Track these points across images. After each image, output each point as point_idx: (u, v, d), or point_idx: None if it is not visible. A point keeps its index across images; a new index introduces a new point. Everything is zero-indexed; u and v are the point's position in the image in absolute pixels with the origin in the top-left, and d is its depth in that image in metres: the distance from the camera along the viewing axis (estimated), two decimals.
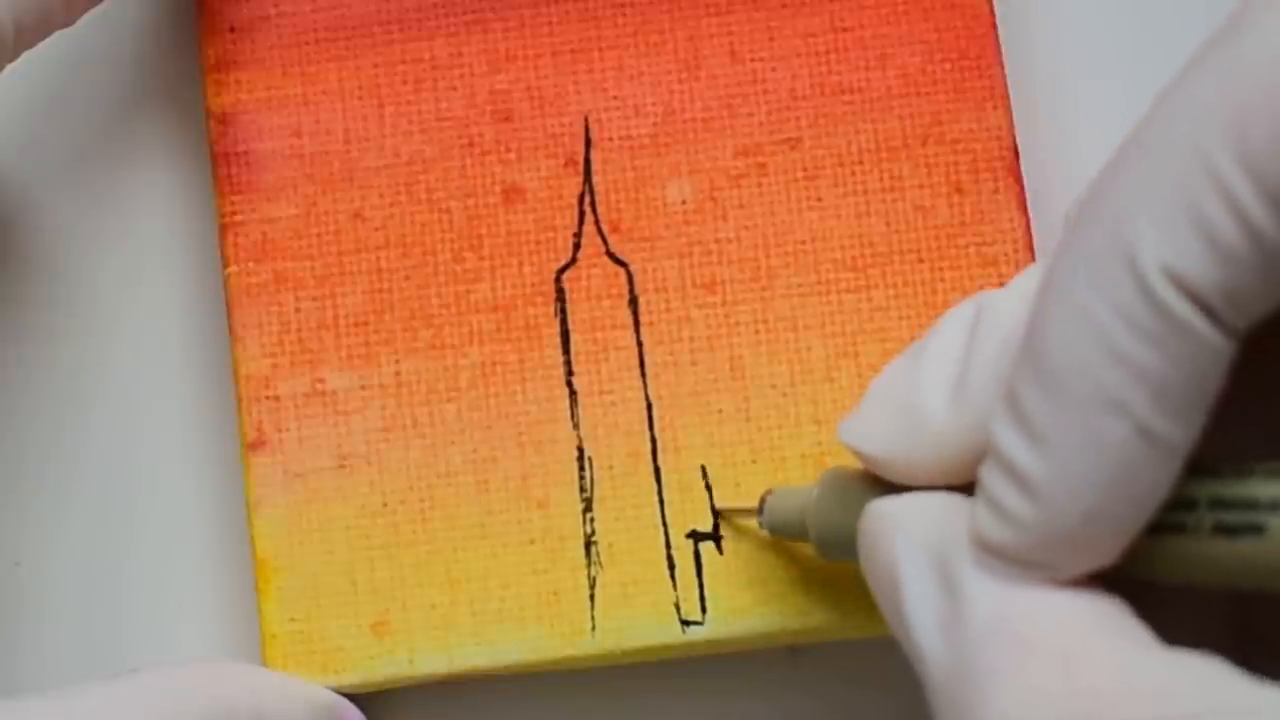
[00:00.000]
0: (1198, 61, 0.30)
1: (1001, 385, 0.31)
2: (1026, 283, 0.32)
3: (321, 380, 0.39)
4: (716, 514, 0.38)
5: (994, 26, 0.40)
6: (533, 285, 0.39)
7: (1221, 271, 0.28)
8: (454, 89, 0.40)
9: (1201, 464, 0.30)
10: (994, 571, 0.30)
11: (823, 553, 0.35)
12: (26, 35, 0.36)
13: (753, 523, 0.38)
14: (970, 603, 0.30)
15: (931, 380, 0.33)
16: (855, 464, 0.35)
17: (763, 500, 0.37)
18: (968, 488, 0.32)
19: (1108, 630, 0.30)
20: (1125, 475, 0.29)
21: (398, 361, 0.39)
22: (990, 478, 0.30)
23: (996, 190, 0.39)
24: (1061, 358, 0.29)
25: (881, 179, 0.40)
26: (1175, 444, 0.29)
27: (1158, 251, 0.29)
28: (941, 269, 0.39)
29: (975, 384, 0.32)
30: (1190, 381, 0.29)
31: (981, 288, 0.39)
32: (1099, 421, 0.29)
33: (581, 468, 0.39)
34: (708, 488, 0.39)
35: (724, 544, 0.39)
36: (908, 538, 0.32)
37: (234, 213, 0.40)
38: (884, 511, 0.33)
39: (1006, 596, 0.30)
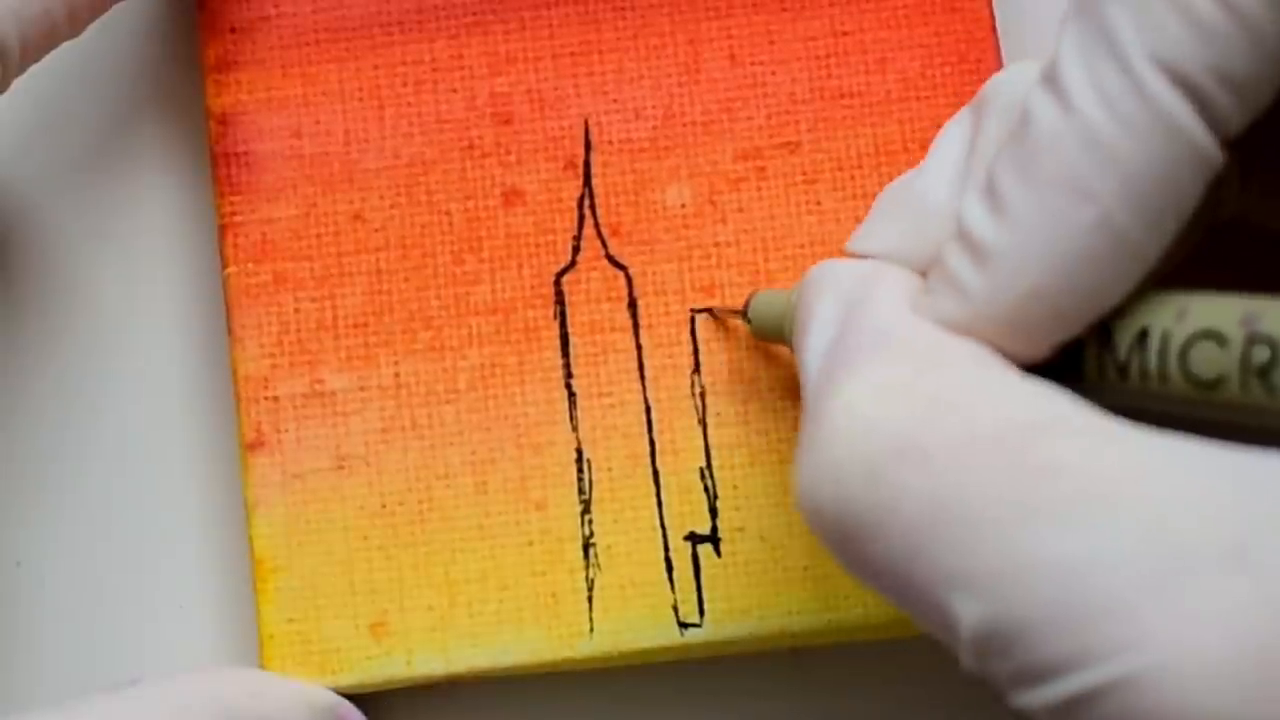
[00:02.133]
0: None
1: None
2: (1028, 71, 0.32)
3: (320, 381, 0.39)
4: (710, 311, 0.39)
5: (994, 31, 0.40)
6: (532, 288, 0.40)
7: (1205, 51, 0.28)
8: (454, 91, 0.40)
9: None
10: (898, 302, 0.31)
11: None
12: (32, 50, 0.36)
13: (739, 321, 0.38)
14: (857, 318, 0.31)
15: (936, 174, 0.32)
16: None
17: (748, 301, 0.38)
18: None
19: (975, 357, 0.30)
20: (1078, 262, 0.29)
21: (397, 363, 0.39)
22: (947, 249, 0.30)
23: None
24: (1041, 139, 0.29)
25: (881, 183, 0.40)
26: (1137, 246, 0.29)
27: (1140, 36, 0.28)
28: None
29: (976, 161, 0.32)
30: (1165, 181, 0.29)
31: None
32: (1064, 203, 0.29)
33: (580, 470, 0.39)
34: (706, 490, 0.39)
35: (722, 547, 0.39)
36: (834, 283, 0.32)
37: (234, 213, 0.40)
38: (821, 268, 0.33)
39: (893, 317, 0.30)
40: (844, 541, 0.29)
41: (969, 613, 0.27)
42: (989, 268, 0.30)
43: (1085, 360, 0.30)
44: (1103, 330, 0.30)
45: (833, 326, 0.31)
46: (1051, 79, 0.30)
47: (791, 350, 0.35)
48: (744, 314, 0.38)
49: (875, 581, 0.29)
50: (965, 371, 0.29)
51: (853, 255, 0.33)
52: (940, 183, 0.32)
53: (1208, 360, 0.29)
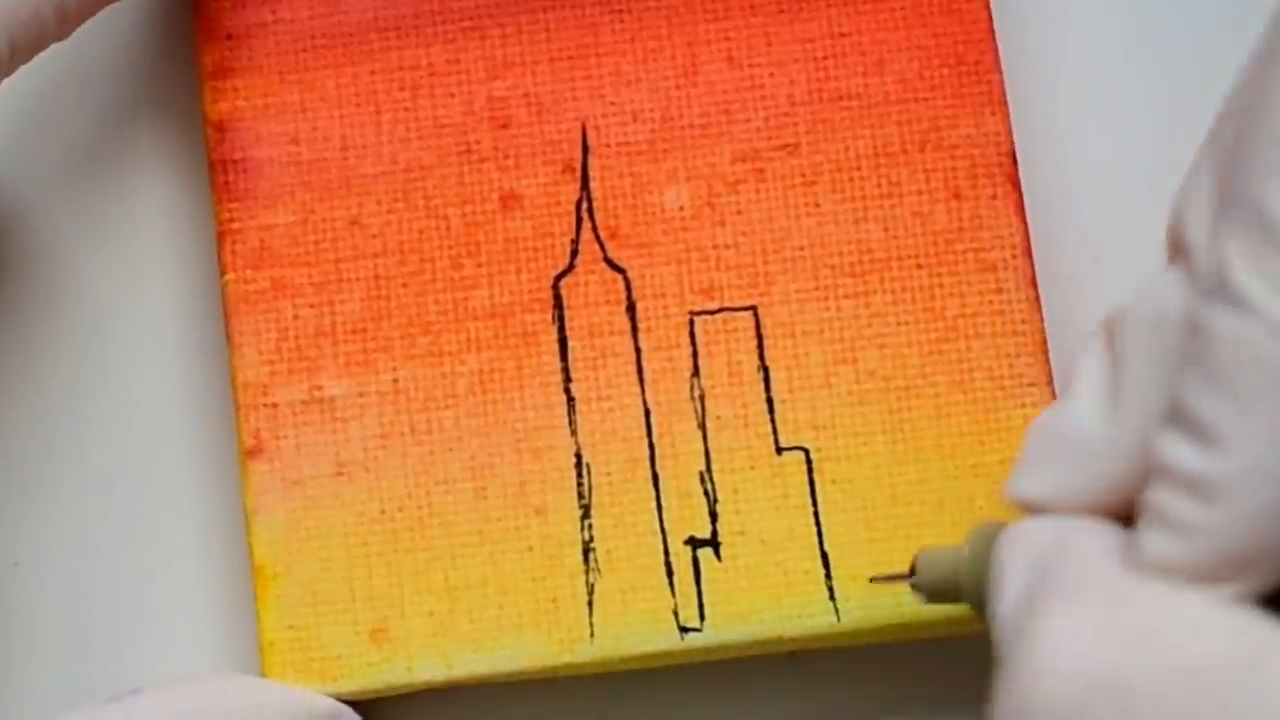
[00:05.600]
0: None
1: (1164, 401, 0.30)
2: (1155, 285, 0.31)
3: (319, 387, 0.39)
4: (872, 579, 0.38)
5: (992, 32, 0.40)
6: (530, 292, 0.39)
7: None
8: (452, 96, 0.40)
9: None
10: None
11: (980, 613, 0.33)
12: (21, 52, 0.37)
13: (905, 587, 0.36)
14: (1052, 568, 0.30)
15: (1084, 405, 0.32)
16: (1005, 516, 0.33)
17: (914, 564, 0.35)
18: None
19: (1171, 589, 0.29)
20: None
21: (395, 369, 0.39)
22: (1158, 494, 0.29)
23: (995, 196, 0.39)
24: (1232, 355, 0.28)
25: (880, 185, 0.40)
26: None
27: None
28: (940, 274, 0.39)
29: (1129, 389, 0.31)
30: None
31: (980, 293, 0.39)
32: (1276, 409, 0.28)
33: (580, 474, 0.39)
34: (706, 494, 0.39)
35: (722, 550, 0.38)
36: (1025, 542, 0.31)
37: (232, 220, 0.40)
38: (1012, 530, 0.32)
39: (1089, 564, 0.30)
40: None
41: None
42: (1212, 500, 0.28)
43: None
44: None
45: (1025, 578, 0.30)
46: (1226, 292, 0.29)
47: (972, 607, 0.34)
48: (909, 577, 0.36)
49: None
50: (1162, 604, 0.29)
51: (1015, 504, 0.32)
52: (1091, 417, 0.32)
53: None
